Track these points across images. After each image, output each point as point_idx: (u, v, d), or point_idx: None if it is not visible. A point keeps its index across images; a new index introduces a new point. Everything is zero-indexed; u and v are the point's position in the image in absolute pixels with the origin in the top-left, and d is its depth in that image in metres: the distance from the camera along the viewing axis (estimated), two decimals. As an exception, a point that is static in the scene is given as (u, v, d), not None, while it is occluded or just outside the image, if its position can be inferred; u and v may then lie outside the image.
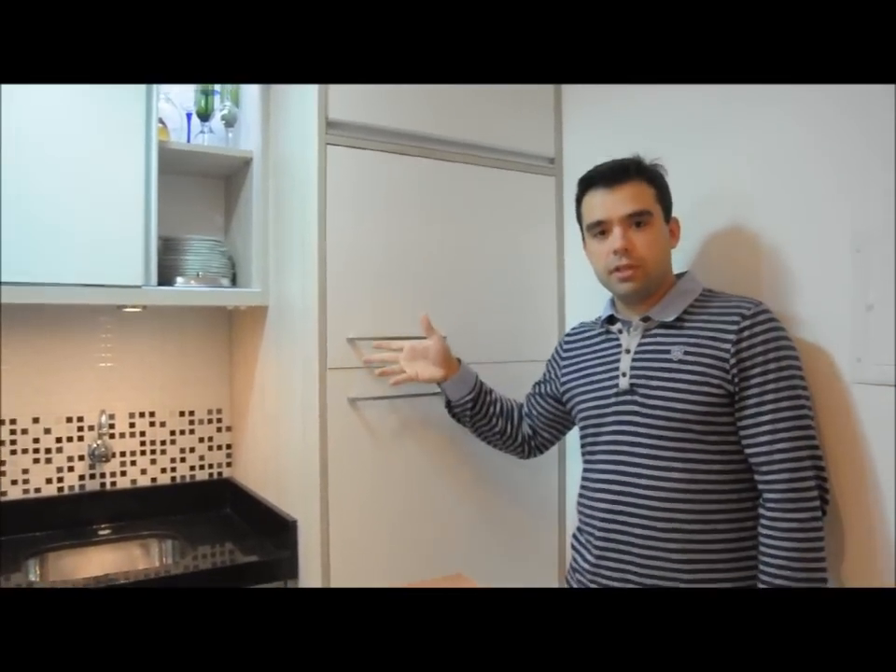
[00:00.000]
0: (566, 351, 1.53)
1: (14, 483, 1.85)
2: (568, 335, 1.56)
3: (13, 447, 1.85)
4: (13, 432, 1.85)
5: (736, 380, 1.21)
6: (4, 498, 1.83)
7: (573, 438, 1.89)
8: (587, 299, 1.88)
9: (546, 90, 1.92)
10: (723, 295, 1.32)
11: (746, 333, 1.21)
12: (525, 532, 1.88)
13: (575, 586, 1.41)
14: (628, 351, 1.34)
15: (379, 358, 1.59)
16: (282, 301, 1.80)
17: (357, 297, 1.63)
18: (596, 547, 1.33)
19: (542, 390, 1.60)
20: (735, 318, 1.23)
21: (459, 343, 1.75)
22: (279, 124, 1.82)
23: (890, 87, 1.17)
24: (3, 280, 1.51)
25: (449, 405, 1.61)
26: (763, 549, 1.18)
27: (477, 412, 1.58)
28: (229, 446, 2.15)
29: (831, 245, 1.28)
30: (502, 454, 1.69)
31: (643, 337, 1.33)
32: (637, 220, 1.30)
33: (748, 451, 1.22)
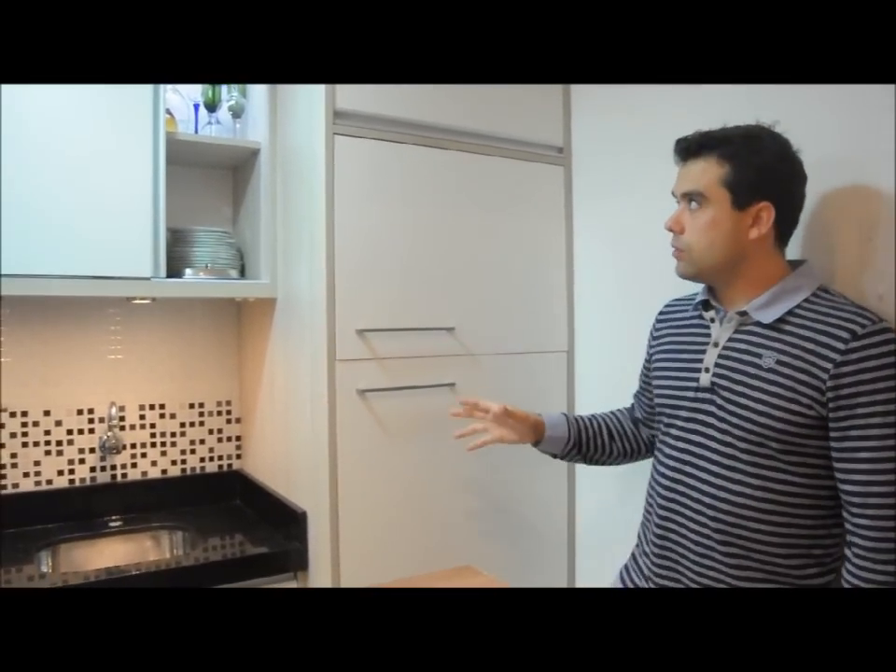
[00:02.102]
0: (657, 330, 1.41)
1: (26, 475, 1.86)
2: (662, 312, 1.42)
3: (24, 439, 1.86)
4: (24, 424, 1.86)
5: (832, 405, 1.06)
6: (16, 490, 1.84)
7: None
8: (596, 288, 1.88)
9: (555, 78, 1.91)
10: (839, 300, 1.14)
11: (854, 356, 1.05)
12: (534, 524, 1.87)
13: (631, 579, 1.35)
14: (716, 345, 1.21)
15: (467, 414, 1.47)
16: (290, 293, 1.80)
17: (365, 288, 1.62)
18: (653, 544, 1.27)
19: (643, 379, 1.48)
20: (845, 335, 1.06)
21: (469, 333, 1.74)
22: (286, 114, 1.81)
23: (890, 87, 1.16)
24: (12, 272, 1.51)
25: (555, 456, 1.50)
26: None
27: (587, 451, 1.48)
28: (238, 438, 2.15)
29: (843, 235, 1.27)
30: (513, 446, 1.69)
31: (735, 332, 1.20)
32: (690, 201, 1.20)
33: (841, 486, 1.09)
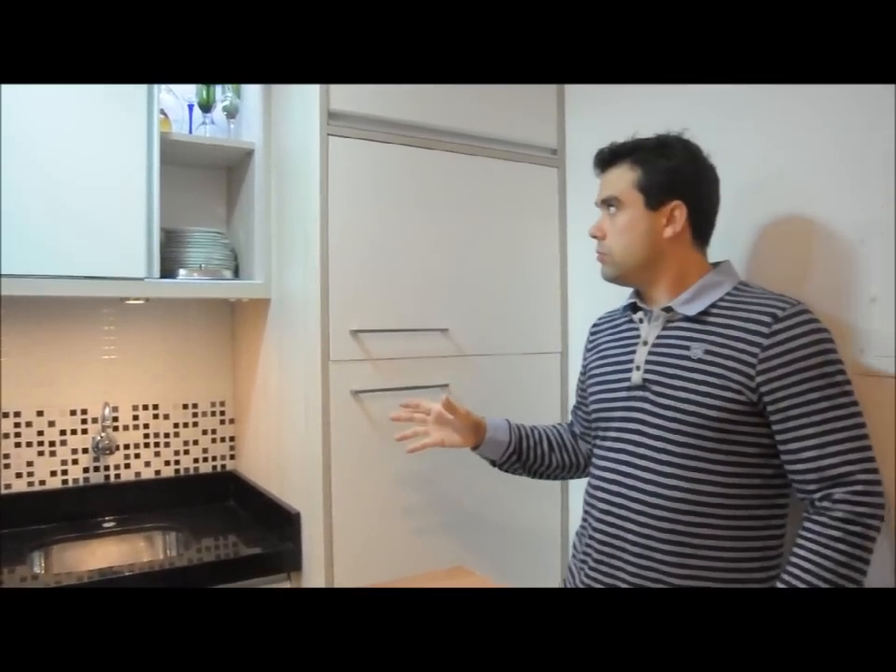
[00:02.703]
0: (591, 342, 1.44)
1: (19, 475, 1.85)
2: (594, 325, 1.47)
3: (17, 440, 1.85)
4: (17, 425, 1.85)
5: (765, 388, 1.10)
6: (8, 491, 1.84)
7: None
8: (590, 289, 1.88)
9: (549, 80, 1.92)
10: (758, 291, 1.20)
11: (779, 337, 1.09)
12: (527, 524, 1.88)
13: (571, 581, 1.35)
14: (646, 343, 1.25)
15: (407, 417, 1.46)
16: (284, 294, 1.80)
17: (359, 289, 1.62)
18: (590, 546, 1.27)
19: (579, 394, 1.50)
20: (767, 319, 1.11)
21: (462, 334, 1.75)
22: (281, 115, 1.81)
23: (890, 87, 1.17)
24: (5, 272, 1.50)
25: (494, 464, 1.49)
26: (799, 552, 1.07)
27: (526, 459, 1.47)
28: (232, 438, 2.15)
29: (834, 236, 1.28)
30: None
31: (663, 329, 1.23)
32: (609, 207, 1.26)
33: (790, 468, 1.12)
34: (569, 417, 1.55)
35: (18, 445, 1.85)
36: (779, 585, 1.08)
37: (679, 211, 1.22)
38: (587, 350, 1.45)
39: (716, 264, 1.27)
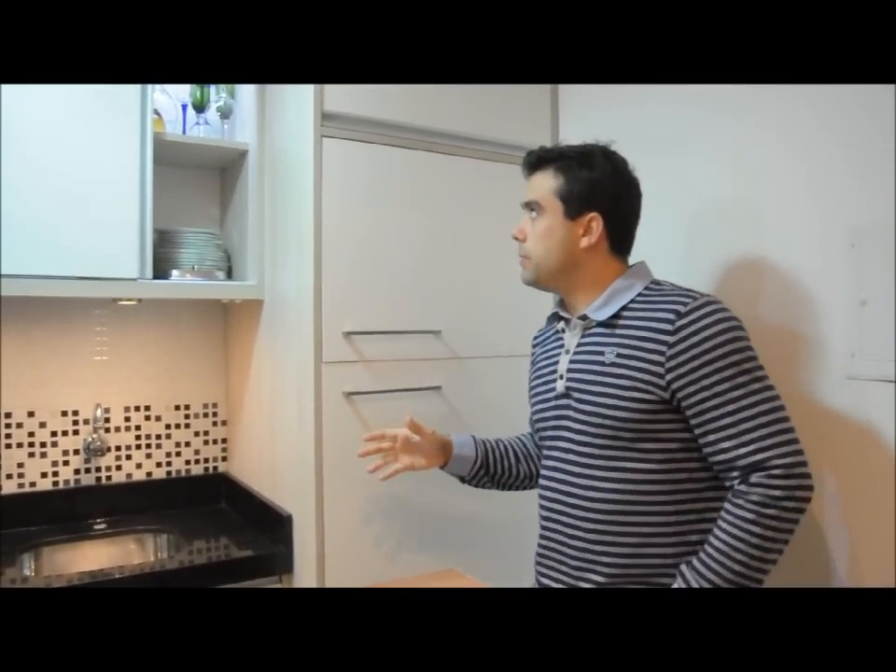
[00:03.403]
0: (532, 355, 1.46)
1: (9, 476, 1.84)
2: (535, 336, 1.49)
3: (8, 441, 1.84)
4: (8, 426, 1.84)
5: (677, 384, 1.11)
6: (-2, 492, 1.83)
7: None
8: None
9: (543, 82, 1.92)
10: (668, 288, 1.21)
11: (683, 333, 1.11)
12: (519, 528, 1.87)
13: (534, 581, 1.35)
14: (568, 351, 1.27)
15: (374, 450, 1.42)
16: (277, 295, 1.79)
17: (352, 290, 1.62)
18: (540, 546, 1.30)
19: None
20: (671, 316, 1.12)
21: (455, 336, 1.74)
22: (275, 116, 1.81)
23: (890, 86, 1.17)
24: (-3, 273, 1.50)
25: (463, 480, 1.48)
26: (714, 535, 1.09)
27: (494, 473, 1.47)
28: (224, 440, 2.14)
29: (826, 241, 1.28)
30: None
31: (582, 337, 1.25)
32: (531, 210, 1.28)
33: (711, 460, 1.13)
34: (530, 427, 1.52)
35: (8, 446, 1.84)
36: (686, 568, 1.10)
37: (596, 223, 1.23)
38: (531, 364, 1.45)
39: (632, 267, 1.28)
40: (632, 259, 1.30)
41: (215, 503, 2.09)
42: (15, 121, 1.53)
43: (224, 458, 2.14)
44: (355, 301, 1.62)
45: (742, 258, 1.43)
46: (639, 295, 1.21)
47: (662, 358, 1.12)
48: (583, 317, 1.25)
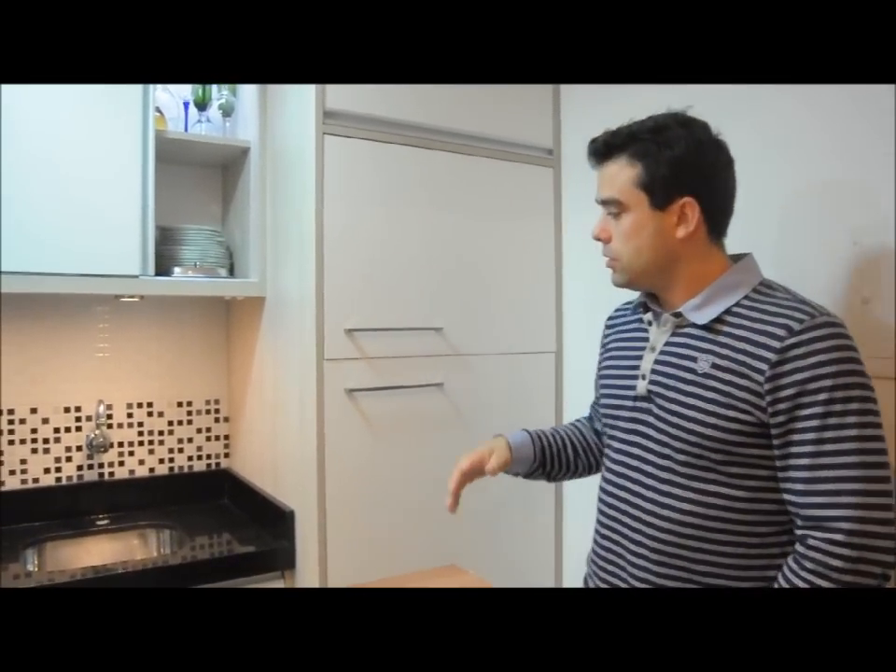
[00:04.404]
0: (606, 336, 1.33)
1: (12, 473, 1.85)
2: (611, 317, 1.34)
3: (11, 437, 1.85)
4: (11, 422, 1.85)
5: (771, 410, 0.97)
6: (2, 489, 1.83)
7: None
8: (585, 289, 1.89)
9: (545, 80, 1.92)
10: (780, 295, 1.04)
11: (791, 354, 0.96)
12: (521, 523, 1.88)
13: (585, 580, 1.27)
14: (653, 349, 1.13)
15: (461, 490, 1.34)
16: (279, 292, 1.80)
17: (354, 288, 1.62)
18: (597, 552, 1.20)
19: (596, 390, 1.38)
20: (781, 333, 0.97)
21: (457, 333, 1.75)
22: (276, 114, 1.81)
23: (891, 86, 1.17)
24: (0, 269, 1.50)
25: (518, 475, 1.38)
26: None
27: (551, 469, 1.36)
28: (226, 437, 2.15)
29: (828, 239, 1.28)
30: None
31: (672, 335, 1.10)
32: (609, 209, 1.12)
33: (784, 497, 1.00)
34: (588, 412, 1.44)
35: (11, 443, 1.85)
36: None
37: (691, 208, 1.06)
38: (601, 346, 1.34)
39: (737, 257, 1.12)
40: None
41: (217, 499, 2.10)
42: (17, 119, 1.53)
43: (226, 455, 2.15)
44: (356, 297, 1.63)
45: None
46: (746, 298, 1.05)
47: (762, 378, 0.97)
48: (677, 314, 1.10)
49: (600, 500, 1.21)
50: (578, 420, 1.45)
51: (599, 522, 1.21)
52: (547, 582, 1.92)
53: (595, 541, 1.21)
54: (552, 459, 1.35)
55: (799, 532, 0.98)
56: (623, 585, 1.12)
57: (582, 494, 1.89)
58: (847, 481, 0.93)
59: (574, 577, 1.92)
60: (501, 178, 1.84)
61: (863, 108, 1.22)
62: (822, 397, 0.94)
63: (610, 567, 1.15)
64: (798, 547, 0.97)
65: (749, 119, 1.43)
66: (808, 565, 0.94)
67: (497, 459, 1.27)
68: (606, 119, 1.80)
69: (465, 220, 1.79)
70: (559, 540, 1.94)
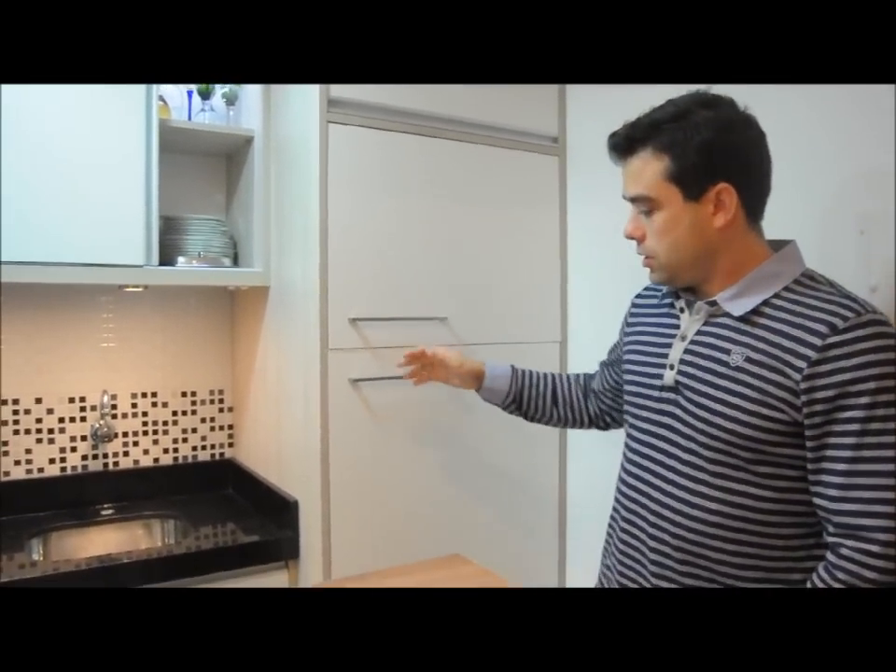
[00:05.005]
0: (632, 315, 1.27)
1: (17, 463, 1.85)
2: (639, 296, 1.28)
3: (16, 427, 1.85)
4: (16, 412, 1.85)
5: (807, 410, 0.92)
6: (7, 478, 1.84)
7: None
8: (590, 278, 1.88)
9: (550, 68, 1.91)
10: (824, 288, 0.99)
11: (832, 353, 0.91)
12: (524, 513, 1.88)
13: (601, 576, 1.24)
14: (684, 338, 1.07)
15: (415, 363, 1.45)
16: (283, 281, 1.79)
17: (358, 277, 1.62)
18: (616, 545, 1.16)
19: (612, 357, 1.36)
20: (823, 329, 0.92)
21: (462, 323, 1.74)
22: (280, 102, 1.80)
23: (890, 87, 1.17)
24: (4, 259, 1.50)
25: (498, 405, 1.45)
26: None
27: (527, 409, 1.41)
28: (230, 427, 2.15)
29: (834, 227, 1.27)
30: (504, 434, 1.69)
31: (705, 325, 1.05)
32: (639, 207, 1.07)
33: (814, 501, 0.95)
34: (596, 367, 1.42)
35: (16, 433, 1.85)
36: None
37: (728, 194, 1.00)
38: (627, 324, 1.28)
39: (778, 243, 1.06)
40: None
41: (221, 489, 2.10)
42: (20, 109, 1.52)
43: (230, 444, 2.15)
44: (361, 287, 1.62)
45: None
46: (786, 289, 0.99)
47: (799, 376, 0.92)
48: (712, 303, 1.04)
49: (619, 492, 1.18)
50: (576, 374, 1.46)
51: (618, 513, 1.17)
52: (550, 574, 1.92)
53: (613, 535, 1.18)
54: (528, 401, 1.40)
55: (831, 539, 0.94)
56: (642, 581, 1.09)
57: (587, 486, 1.89)
58: (885, 489, 0.89)
59: (577, 569, 1.92)
60: (506, 167, 1.83)
61: (871, 94, 1.21)
62: (865, 400, 0.89)
63: (629, 562, 1.13)
64: (830, 556, 0.93)
65: (755, 110, 1.41)
66: (841, 575, 0.90)
67: (456, 362, 1.41)
68: (611, 107, 1.79)
69: (469, 209, 1.78)
70: (563, 532, 1.94)
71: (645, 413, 1.13)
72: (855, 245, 1.24)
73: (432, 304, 1.72)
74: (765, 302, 1.00)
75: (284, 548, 1.67)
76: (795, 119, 1.35)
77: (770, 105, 1.39)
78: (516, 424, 1.77)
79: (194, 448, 2.10)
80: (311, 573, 1.62)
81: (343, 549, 1.59)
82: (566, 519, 1.94)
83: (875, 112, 1.21)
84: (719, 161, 1.00)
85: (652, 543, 1.07)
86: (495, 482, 1.82)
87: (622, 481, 1.18)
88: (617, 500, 1.19)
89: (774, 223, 1.38)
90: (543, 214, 1.91)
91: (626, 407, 1.20)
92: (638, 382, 1.16)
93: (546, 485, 1.91)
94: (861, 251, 1.23)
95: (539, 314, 1.90)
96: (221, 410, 2.14)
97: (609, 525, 1.21)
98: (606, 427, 1.43)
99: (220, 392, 2.13)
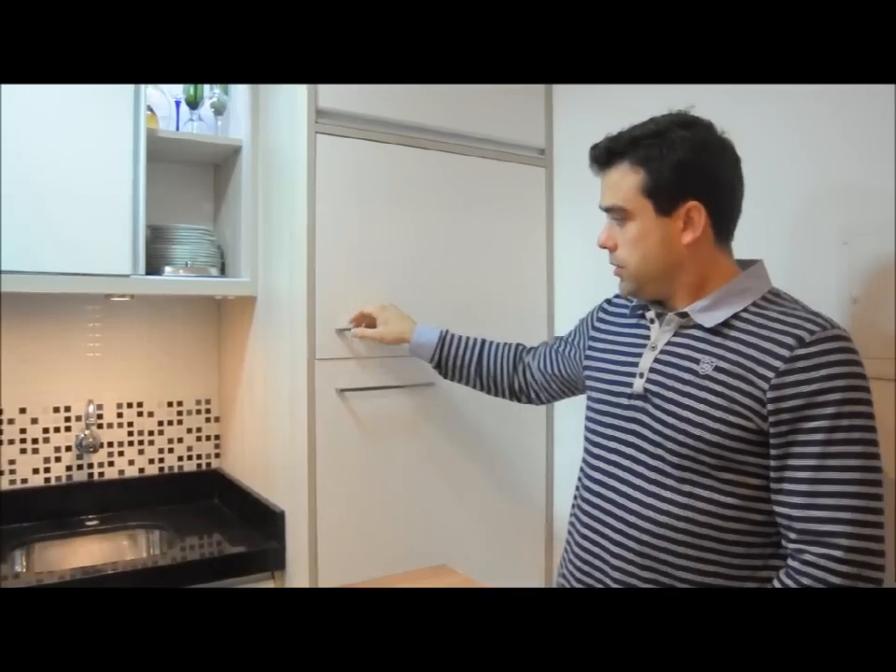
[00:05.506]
0: (599, 321, 1.30)
1: (0, 473, 1.84)
2: (609, 302, 1.32)
3: (-1, 437, 1.84)
4: (-1, 422, 1.84)
5: (773, 419, 0.96)
6: (-10, 489, 1.82)
7: (560, 426, 1.90)
8: (577, 287, 1.89)
9: (537, 80, 1.92)
10: (789, 304, 1.04)
11: (799, 365, 0.95)
12: (511, 523, 1.88)
13: (558, 582, 1.27)
14: (654, 348, 1.11)
15: (361, 319, 1.61)
16: (271, 291, 1.79)
17: (345, 287, 1.62)
18: (574, 552, 1.19)
19: (565, 351, 1.40)
20: (791, 342, 0.96)
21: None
22: (269, 112, 1.80)
23: (875, 87, 1.18)
24: (-12, 268, 1.49)
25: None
26: None
27: (452, 376, 1.56)
28: (217, 437, 2.14)
29: (817, 239, 1.29)
30: (491, 445, 1.69)
31: (675, 335, 1.09)
32: (613, 217, 1.12)
33: (775, 509, 0.99)
34: (540, 349, 1.50)
35: (0, 443, 1.84)
36: None
37: (697, 211, 1.05)
38: (593, 328, 1.31)
39: (746, 263, 1.11)
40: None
41: (207, 499, 2.09)
42: (6, 117, 1.52)
43: (217, 455, 2.14)
44: (348, 297, 1.62)
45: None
46: (754, 304, 1.04)
47: (766, 385, 0.96)
48: (683, 315, 1.08)
49: (581, 499, 1.20)
50: (514, 345, 1.55)
51: (578, 520, 1.19)
52: (537, 583, 1.92)
53: (573, 541, 1.20)
54: (451, 369, 1.55)
55: (793, 546, 0.96)
56: (601, 587, 1.11)
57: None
58: (849, 496, 0.92)
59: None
60: (493, 178, 1.84)
61: (857, 105, 1.23)
62: (830, 410, 0.93)
63: (587, 568, 1.15)
64: (792, 563, 0.96)
65: (743, 120, 1.43)
66: (805, 581, 0.93)
67: (377, 335, 1.57)
68: (598, 119, 1.80)
69: (457, 220, 1.78)
70: (549, 542, 1.94)
71: (611, 420, 1.16)
72: (836, 257, 1.25)
73: (419, 314, 1.72)
74: (735, 316, 1.04)
75: (270, 559, 1.66)
76: (776, 131, 1.36)
77: (758, 116, 1.41)
78: (506, 435, 1.78)
79: (180, 458, 2.08)
80: (297, 584, 1.61)
81: (330, 559, 1.59)
82: (553, 535, 1.94)
83: (859, 123, 1.22)
84: (690, 180, 1.05)
85: (616, 549, 1.09)
86: (483, 492, 1.82)
87: (584, 487, 1.20)
88: (577, 507, 1.21)
89: (755, 234, 1.40)
90: (530, 224, 1.92)
91: (589, 414, 1.23)
92: (605, 390, 1.18)
93: (534, 498, 1.92)
94: (843, 262, 1.24)
95: (525, 323, 1.91)
96: (208, 420, 2.13)
97: (569, 532, 1.23)
98: (528, 401, 1.54)
99: (207, 402, 2.12)
